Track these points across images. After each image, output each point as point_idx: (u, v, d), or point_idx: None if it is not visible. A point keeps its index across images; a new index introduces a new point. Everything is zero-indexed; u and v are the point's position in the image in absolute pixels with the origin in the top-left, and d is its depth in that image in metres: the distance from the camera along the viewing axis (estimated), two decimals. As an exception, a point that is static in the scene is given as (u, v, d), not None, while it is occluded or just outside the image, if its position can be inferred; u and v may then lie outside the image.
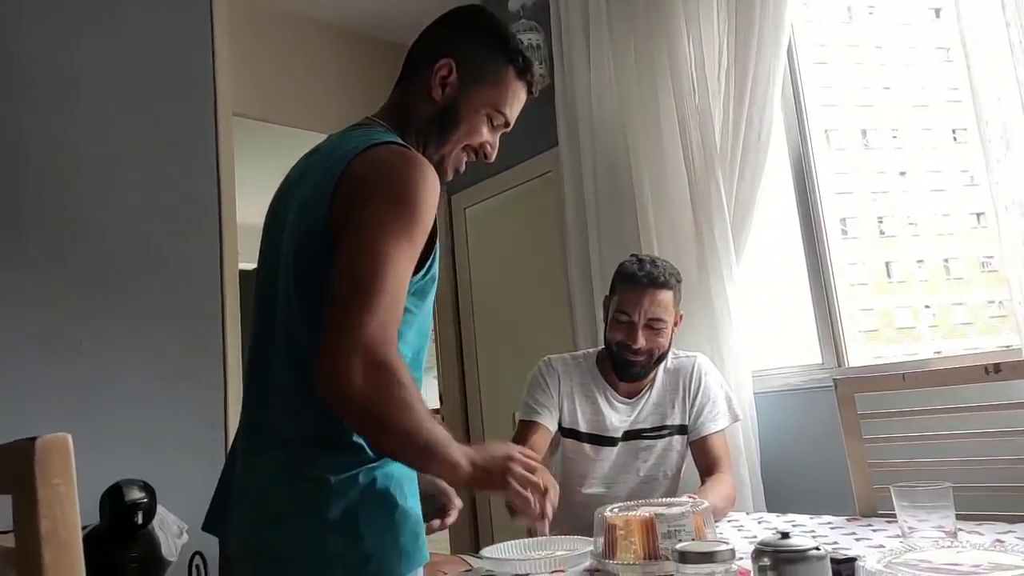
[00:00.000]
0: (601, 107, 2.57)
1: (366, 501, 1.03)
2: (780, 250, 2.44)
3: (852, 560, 1.03)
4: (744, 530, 1.56)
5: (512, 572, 1.33)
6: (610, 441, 1.85)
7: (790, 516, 1.66)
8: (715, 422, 1.85)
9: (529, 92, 1.24)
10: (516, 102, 1.23)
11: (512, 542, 1.50)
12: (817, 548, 0.95)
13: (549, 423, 1.84)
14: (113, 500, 1.89)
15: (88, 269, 2.21)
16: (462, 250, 3.45)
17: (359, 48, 3.34)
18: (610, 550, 1.27)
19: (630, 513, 1.29)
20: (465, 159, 1.22)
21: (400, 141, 1.10)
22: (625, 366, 1.82)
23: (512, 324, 3.19)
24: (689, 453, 1.88)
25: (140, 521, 1.90)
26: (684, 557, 0.94)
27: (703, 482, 1.78)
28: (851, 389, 1.67)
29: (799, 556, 0.95)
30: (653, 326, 1.78)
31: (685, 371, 1.89)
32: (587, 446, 1.85)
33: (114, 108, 2.35)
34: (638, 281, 1.78)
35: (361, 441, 1.03)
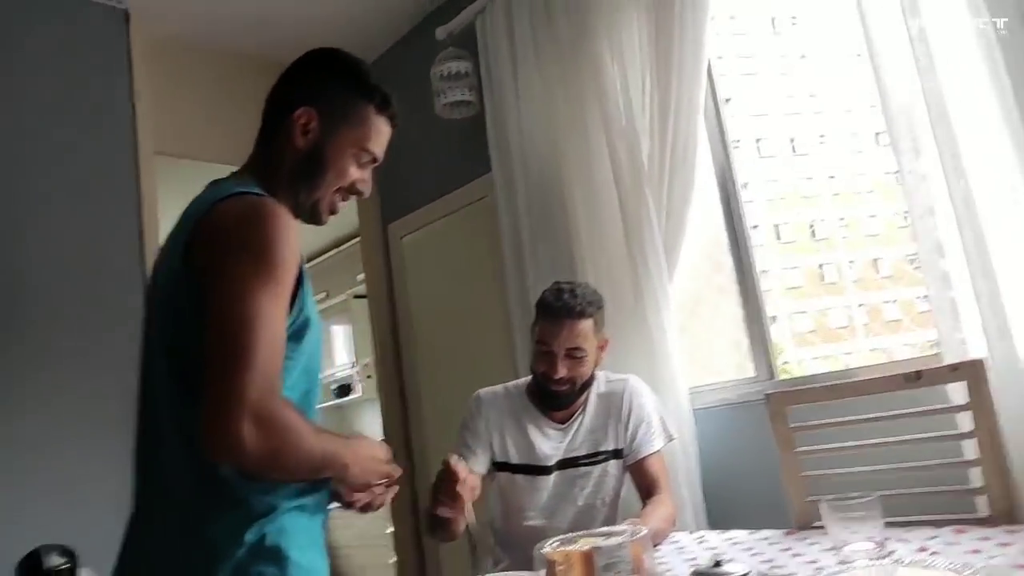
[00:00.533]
0: (532, 132, 2.59)
1: (255, 559, 1.03)
2: (713, 265, 2.48)
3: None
4: (685, 551, 1.56)
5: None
6: (544, 470, 1.84)
7: (730, 533, 1.67)
8: (651, 443, 1.85)
9: (392, 125, 1.27)
10: (381, 137, 1.24)
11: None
12: (748, 574, 0.96)
13: (478, 466, 1.82)
14: (30, 569, 1.80)
15: (2, 317, 2.11)
16: (400, 279, 3.41)
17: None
18: (548, 587, 1.25)
19: (569, 547, 1.28)
20: (340, 199, 1.24)
21: (255, 191, 1.11)
22: (550, 396, 1.83)
23: (455, 352, 3.16)
24: (627, 477, 1.88)
25: (62, 586, 1.81)
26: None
27: (643, 505, 1.79)
28: (782, 402, 1.70)
29: (729, 585, 0.96)
30: (573, 355, 1.79)
31: (617, 395, 1.90)
32: (520, 477, 1.84)
33: (28, 149, 2.27)
34: (555, 312, 1.79)
35: (249, 496, 1.04)
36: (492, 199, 2.84)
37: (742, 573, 0.97)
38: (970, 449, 1.50)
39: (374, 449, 1.17)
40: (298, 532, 1.07)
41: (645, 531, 1.29)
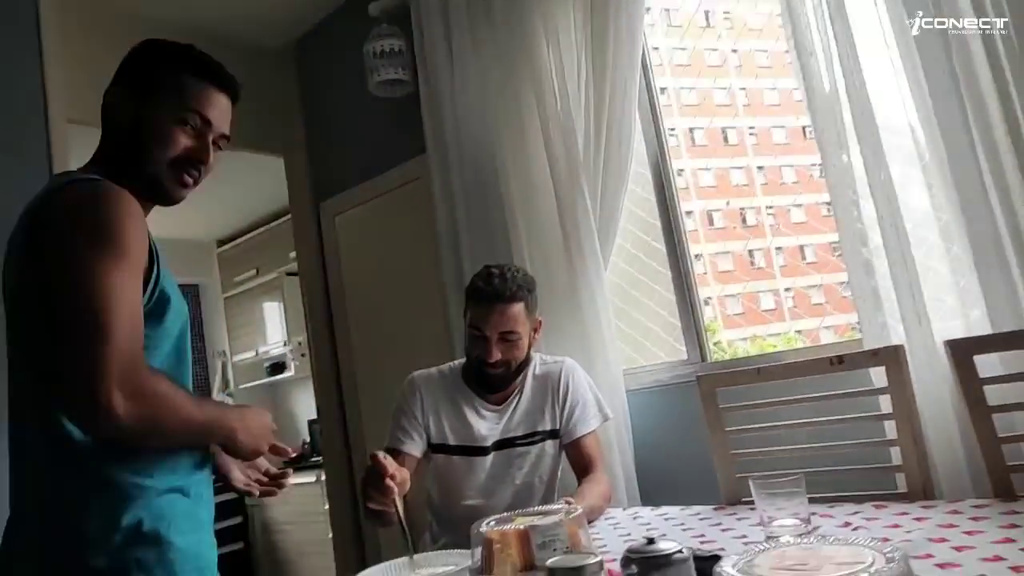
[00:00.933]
0: (466, 113, 2.56)
1: (132, 545, 1.03)
2: (647, 250, 2.52)
3: (714, 558, 1.06)
4: (620, 527, 1.59)
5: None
6: (481, 451, 1.84)
7: (663, 509, 1.71)
8: (586, 424, 1.87)
9: (223, 90, 1.23)
10: (204, 100, 1.20)
11: (389, 563, 1.46)
12: (681, 551, 0.98)
13: (413, 450, 1.81)
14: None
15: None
16: (333, 259, 3.34)
17: (202, 48, 3.15)
18: (488, 565, 1.25)
19: (505, 526, 1.28)
20: (186, 174, 1.20)
21: (89, 176, 1.10)
22: (486, 379, 1.82)
23: (390, 333, 3.12)
24: (563, 456, 1.90)
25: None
26: (554, 574, 0.94)
27: (579, 483, 1.80)
28: (712, 384, 1.74)
29: (664, 561, 0.97)
30: (507, 339, 1.78)
31: (553, 376, 1.91)
32: (457, 458, 1.84)
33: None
34: (486, 296, 1.78)
35: (119, 478, 1.04)
36: (427, 179, 2.80)
37: (674, 549, 0.98)
38: (890, 429, 1.57)
39: (262, 416, 1.19)
40: (178, 516, 1.07)
41: (580, 510, 1.30)
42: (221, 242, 5.72)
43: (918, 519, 1.27)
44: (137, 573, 1.01)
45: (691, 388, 2.10)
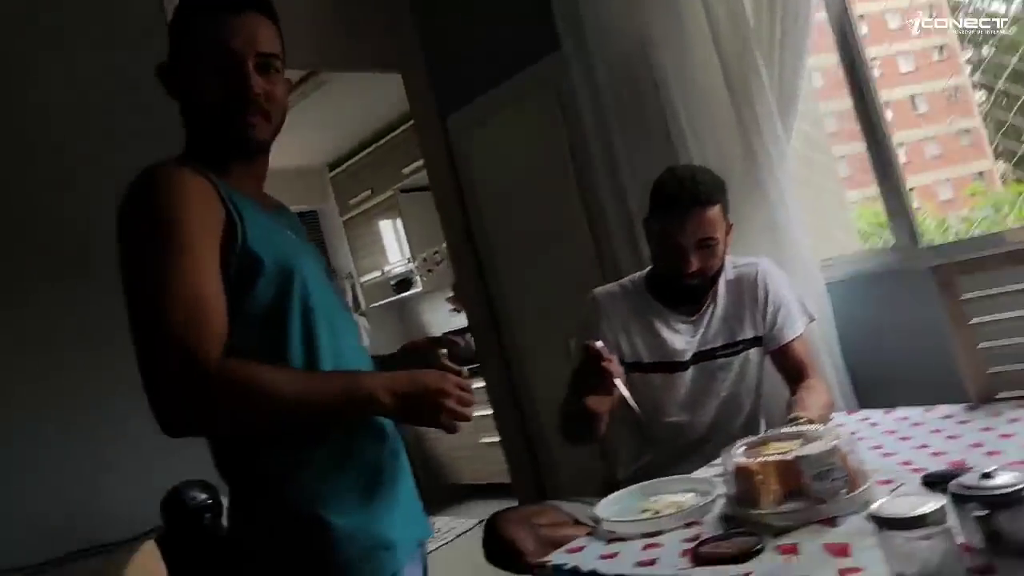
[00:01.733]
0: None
1: (274, 532, 1.02)
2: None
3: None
4: (862, 438, 1.45)
5: (641, 532, 1.22)
6: (679, 366, 1.73)
7: (900, 412, 1.57)
8: (792, 327, 1.73)
9: (225, 9, 1.06)
10: (219, 31, 1.05)
11: (624, 492, 1.40)
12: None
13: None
14: (174, 506, 1.78)
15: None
16: (466, 172, 3.21)
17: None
18: (749, 497, 1.16)
19: (767, 457, 1.18)
20: (244, 115, 1.06)
21: (154, 165, 1.01)
22: (682, 291, 1.70)
23: (533, 250, 3.00)
24: (769, 365, 1.77)
25: (208, 523, 1.80)
26: (888, 523, 0.82)
27: (792, 391, 1.68)
28: (952, 273, 1.54)
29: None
30: (705, 245, 1.64)
31: (748, 280, 1.76)
32: (655, 376, 1.74)
33: None
34: (681, 203, 1.62)
35: (268, 462, 1.03)
36: (562, 80, 2.60)
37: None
38: None
39: (424, 377, 1.03)
40: (331, 490, 1.02)
41: (848, 434, 1.18)
42: (332, 166, 5.71)
43: None
44: (289, 558, 1.00)
45: (901, 276, 1.92)
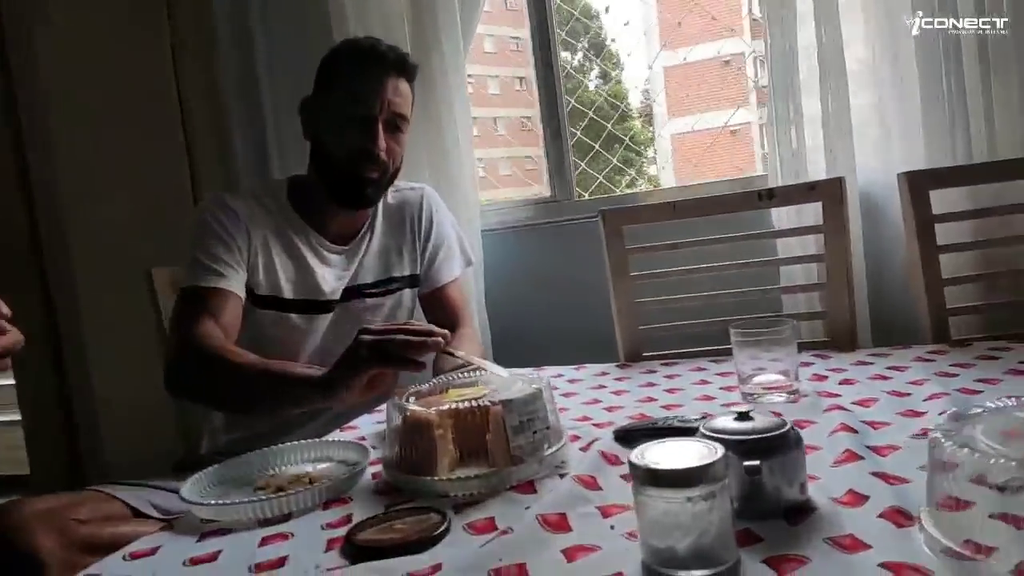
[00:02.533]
0: None
1: None
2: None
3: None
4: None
5: (257, 517, 0.82)
6: (325, 307, 1.35)
7: (553, 369, 1.42)
8: (451, 268, 1.48)
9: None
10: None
11: (224, 466, 0.97)
12: (791, 428, 0.68)
13: (238, 288, 1.25)
14: None
15: None
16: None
17: None
18: (422, 459, 0.85)
19: (450, 403, 0.87)
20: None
21: None
22: (358, 186, 1.29)
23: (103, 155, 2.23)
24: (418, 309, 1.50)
25: None
26: (663, 479, 0.57)
27: (445, 341, 1.42)
28: (619, 221, 1.44)
29: (780, 443, 0.67)
30: (396, 127, 1.30)
31: (412, 206, 1.46)
32: (294, 317, 1.33)
33: None
34: (376, 64, 1.27)
35: None
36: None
37: (784, 427, 0.67)
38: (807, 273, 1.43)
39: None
40: None
41: (545, 378, 0.94)
42: None
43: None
44: None
45: (556, 230, 1.82)
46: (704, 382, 1.20)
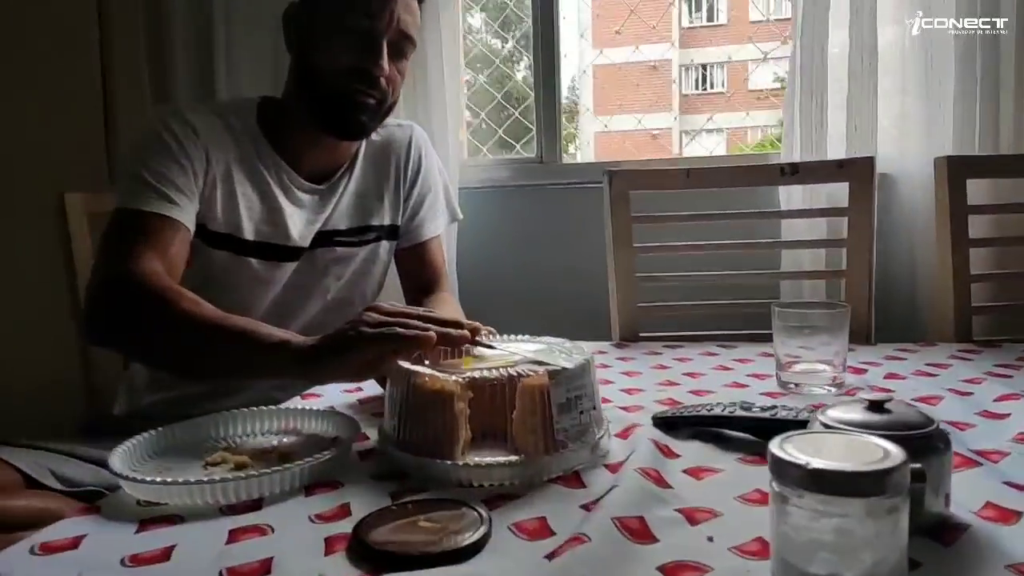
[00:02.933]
0: None
1: None
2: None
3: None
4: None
5: (219, 502, 0.63)
6: (290, 253, 1.14)
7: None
8: (435, 222, 1.29)
9: None
10: None
11: (167, 430, 0.77)
12: (937, 425, 0.55)
13: (189, 221, 1.02)
14: None
15: None
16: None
17: None
18: (439, 438, 0.67)
19: (482, 371, 0.70)
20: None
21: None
22: (351, 110, 1.06)
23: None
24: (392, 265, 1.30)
25: None
26: (844, 483, 0.42)
27: (419, 304, 1.23)
28: (627, 185, 1.29)
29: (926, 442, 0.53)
30: (400, 52, 1.08)
31: (399, 147, 1.25)
32: (254, 262, 1.11)
33: None
34: None
35: None
36: None
37: (931, 425, 0.54)
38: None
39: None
40: None
41: (587, 352, 0.78)
42: None
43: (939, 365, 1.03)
44: None
45: (540, 193, 1.67)
46: (724, 367, 1.07)
